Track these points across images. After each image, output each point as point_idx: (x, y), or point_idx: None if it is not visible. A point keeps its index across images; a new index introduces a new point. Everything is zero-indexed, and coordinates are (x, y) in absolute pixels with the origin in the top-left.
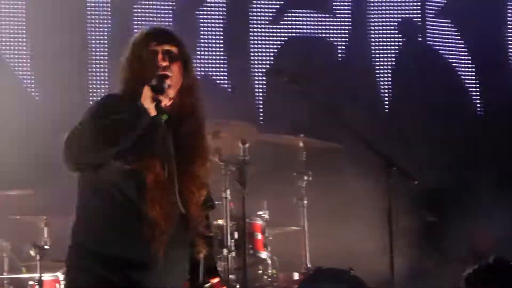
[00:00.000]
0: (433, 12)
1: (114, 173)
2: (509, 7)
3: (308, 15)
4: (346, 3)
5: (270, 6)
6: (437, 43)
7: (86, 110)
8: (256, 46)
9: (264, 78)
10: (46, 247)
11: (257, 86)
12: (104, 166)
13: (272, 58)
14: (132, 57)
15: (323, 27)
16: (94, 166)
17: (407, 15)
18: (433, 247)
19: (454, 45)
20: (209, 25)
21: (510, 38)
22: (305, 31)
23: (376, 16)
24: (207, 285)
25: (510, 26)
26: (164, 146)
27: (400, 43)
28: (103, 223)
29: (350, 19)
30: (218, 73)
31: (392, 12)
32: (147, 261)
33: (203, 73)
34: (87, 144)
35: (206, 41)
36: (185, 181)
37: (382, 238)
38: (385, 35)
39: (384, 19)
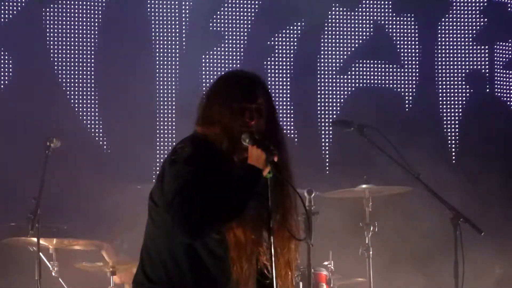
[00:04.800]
0: (502, 63)
1: None
2: None
3: (376, 65)
4: (414, 54)
5: (338, 56)
6: (506, 94)
7: (178, 160)
8: (323, 95)
9: (331, 127)
10: None
11: (323, 135)
12: None
13: (339, 107)
14: (220, 104)
15: (391, 77)
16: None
17: (475, 66)
18: None
19: None
20: (277, 75)
21: None
22: (373, 81)
23: (444, 67)
24: None
25: None
26: (263, 206)
27: (468, 94)
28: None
29: (418, 70)
30: (285, 121)
31: (460, 63)
32: None
33: None
34: (213, 214)
35: (274, 90)
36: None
37: None
38: (453, 86)
39: (452, 70)
